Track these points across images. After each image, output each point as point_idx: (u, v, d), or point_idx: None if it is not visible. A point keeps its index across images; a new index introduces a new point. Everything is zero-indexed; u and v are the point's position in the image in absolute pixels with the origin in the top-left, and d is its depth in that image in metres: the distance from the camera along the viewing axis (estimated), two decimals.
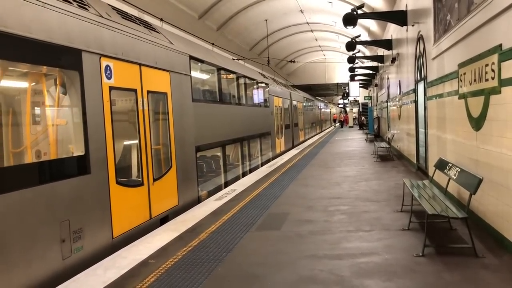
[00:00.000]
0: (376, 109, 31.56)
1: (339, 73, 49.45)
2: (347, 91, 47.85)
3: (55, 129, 5.73)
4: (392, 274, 4.75)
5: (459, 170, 6.25)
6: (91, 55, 5.89)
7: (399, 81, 16.21)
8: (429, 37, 9.64)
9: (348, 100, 57.65)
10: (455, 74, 7.21)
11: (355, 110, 56.59)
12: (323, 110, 49.99)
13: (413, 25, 12.08)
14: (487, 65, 5.61)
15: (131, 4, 13.88)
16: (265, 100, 18.20)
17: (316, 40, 38.85)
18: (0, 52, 4.57)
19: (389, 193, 9.21)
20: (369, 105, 37.75)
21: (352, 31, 21.51)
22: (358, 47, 25.54)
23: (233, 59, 20.78)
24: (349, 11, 13.97)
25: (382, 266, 5.00)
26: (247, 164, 14.92)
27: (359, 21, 14.45)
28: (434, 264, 4.99)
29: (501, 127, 5.28)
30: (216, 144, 11.33)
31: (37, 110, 5.96)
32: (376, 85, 30.69)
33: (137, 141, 7.18)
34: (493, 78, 5.41)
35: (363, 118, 43.74)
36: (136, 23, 7.72)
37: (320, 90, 59.36)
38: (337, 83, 52.44)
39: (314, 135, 36.60)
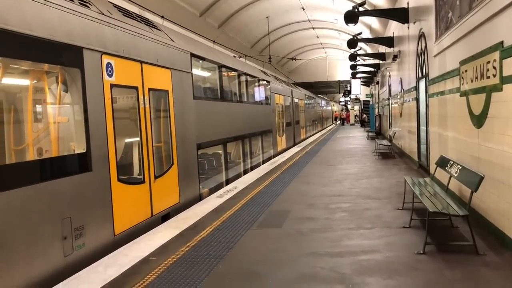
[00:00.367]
0: (378, 107, 31.51)
1: (340, 71, 49.35)
2: (348, 88, 47.83)
3: (56, 126, 5.74)
4: (393, 271, 4.76)
5: (461, 167, 6.25)
6: (92, 53, 5.89)
7: (401, 78, 16.18)
8: (431, 34, 9.62)
9: (350, 97, 57.64)
10: (457, 71, 7.20)
11: (357, 107, 56.53)
12: (324, 107, 49.94)
13: (414, 23, 12.06)
14: (488, 62, 5.60)
15: (132, 2, 13.88)
16: (266, 98, 18.18)
17: (318, 37, 38.78)
18: (2, 49, 4.57)
19: (390, 190, 9.21)
20: (371, 102, 37.71)
21: (353, 29, 21.49)
22: (360, 44, 25.42)
23: (235, 57, 20.76)
24: (351, 8, 13.95)
25: (383, 263, 5.01)
26: (248, 161, 14.92)
27: (361, 18, 14.45)
28: (435, 261, 4.99)
29: (502, 124, 5.27)
30: (217, 141, 11.33)
31: (39, 108, 5.97)
32: (377, 83, 30.63)
33: (138, 139, 7.19)
34: (494, 76, 5.40)
35: (364, 115, 43.69)
36: (137, 21, 7.72)
37: (321, 88, 59.33)
38: (339, 81, 52.38)
39: (316, 133, 36.57)
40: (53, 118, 5.79)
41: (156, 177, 7.53)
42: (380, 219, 6.95)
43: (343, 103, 72.87)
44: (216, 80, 12.07)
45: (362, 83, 40.49)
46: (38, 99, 5.81)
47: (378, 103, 31.26)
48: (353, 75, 35.28)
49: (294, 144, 24.07)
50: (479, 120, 6.12)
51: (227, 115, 12.42)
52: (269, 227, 6.84)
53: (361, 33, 21.96)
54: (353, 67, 29.61)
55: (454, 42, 7.41)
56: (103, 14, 6.38)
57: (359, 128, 40.71)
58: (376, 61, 26.37)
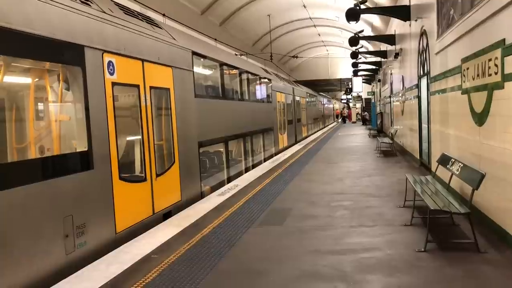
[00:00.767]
0: (379, 105, 31.48)
1: (342, 69, 49.25)
2: (350, 86, 47.76)
3: (58, 124, 5.75)
4: (394, 269, 4.76)
5: (462, 165, 6.24)
6: (93, 51, 5.89)
7: (402, 76, 16.16)
8: (432, 32, 9.60)
9: (351, 95, 57.58)
10: (458, 69, 7.19)
11: (358, 105, 56.47)
12: (326, 105, 49.89)
13: (416, 20, 12.03)
14: (490, 60, 5.58)
15: (134, 0, 13.86)
16: (267, 96, 18.17)
17: (319, 35, 38.71)
18: (4, 48, 4.58)
19: (391, 188, 9.21)
20: (372, 100, 37.66)
21: (355, 26, 21.41)
22: (361, 42, 25.41)
23: (236, 55, 20.75)
24: (352, 6, 13.92)
25: (385, 261, 5.01)
26: (250, 159, 14.92)
27: (362, 16, 14.42)
28: (436, 259, 5.00)
29: (504, 122, 5.26)
30: (218, 139, 11.34)
31: (40, 106, 5.98)
32: (379, 81, 30.59)
33: (140, 137, 7.19)
34: (496, 73, 5.39)
35: (365, 113, 43.66)
36: (139, 19, 7.72)
37: (323, 86, 59.21)
38: (340, 79, 52.27)
39: (317, 131, 36.54)
40: (55, 117, 5.80)
41: (157, 175, 7.54)
42: (381, 217, 6.95)
43: (345, 101, 72.85)
44: (218, 78, 12.07)
45: (363, 81, 40.44)
46: (39, 97, 5.82)
47: (379, 101, 31.23)
48: (355, 73, 35.21)
49: (296, 142, 24.06)
50: (480, 118, 6.11)
51: (229, 113, 12.42)
52: (271, 225, 6.85)
53: (362, 31, 21.89)
54: (354, 65, 29.56)
55: (455, 40, 7.39)
56: (105, 12, 6.38)
57: (361, 126, 40.67)
58: (378, 59, 26.32)
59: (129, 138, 7.38)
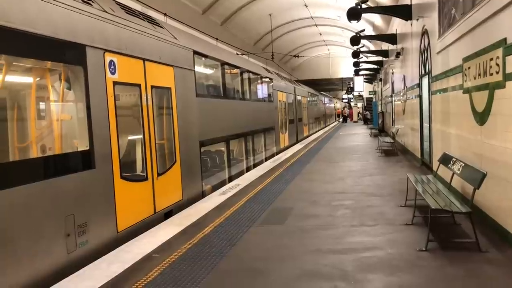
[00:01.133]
0: (381, 104, 31.45)
1: (343, 68, 49.22)
2: (351, 85, 47.73)
3: (59, 124, 5.76)
4: (395, 268, 4.76)
5: (463, 164, 6.24)
6: (95, 50, 5.90)
7: (404, 75, 16.14)
8: (434, 31, 9.59)
9: (353, 95, 57.53)
10: (460, 68, 7.18)
11: (360, 105, 56.45)
12: (327, 105, 49.87)
13: (417, 19, 12.02)
14: (491, 59, 5.58)
15: None
16: (269, 95, 18.17)
17: (321, 34, 38.68)
18: (6, 47, 4.59)
19: (393, 188, 9.21)
20: (374, 99, 37.63)
21: (356, 26, 21.38)
22: (363, 41, 25.42)
23: (237, 54, 20.75)
24: (354, 5, 13.91)
25: (386, 260, 5.01)
26: (251, 159, 14.93)
27: (364, 15, 14.40)
28: (438, 258, 5.00)
29: (505, 121, 5.26)
30: (220, 139, 11.34)
31: (42, 105, 5.99)
32: (380, 80, 30.57)
33: (141, 136, 7.20)
34: (497, 72, 5.38)
35: (367, 112, 43.64)
36: (140, 18, 7.73)
37: (324, 85, 59.19)
38: (342, 78, 52.23)
39: (319, 130, 36.53)
40: (56, 116, 5.80)
41: (159, 175, 7.55)
42: (382, 216, 6.95)
43: (346, 101, 72.81)
44: (219, 77, 12.07)
45: (365, 80, 40.40)
46: (41, 96, 5.83)
47: (381, 100, 31.20)
48: (356, 72, 35.15)
49: (297, 142, 24.05)
50: (482, 117, 6.11)
51: (230, 112, 12.42)
52: (272, 224, 6.85)
53: (364, 30, 21.88)
54: (356, 64, 29.53)
55: (457, 39, 7.38)
56: (106, 11, 6.39)
57: (362, 125, 40.65)
58: (379, 58, 26.30)
59: (131, 137, 7.39)
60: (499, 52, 5.29)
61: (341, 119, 58.06)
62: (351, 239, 5.87)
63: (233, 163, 12.86)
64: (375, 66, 29.95)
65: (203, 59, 10.61)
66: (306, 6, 27.86)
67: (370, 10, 16.15)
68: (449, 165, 6.94)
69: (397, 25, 17.33)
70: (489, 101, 5.75)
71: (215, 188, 10.46)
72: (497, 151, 5.60)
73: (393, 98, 21.54)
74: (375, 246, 5.51)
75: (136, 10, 8.15)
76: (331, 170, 12.33)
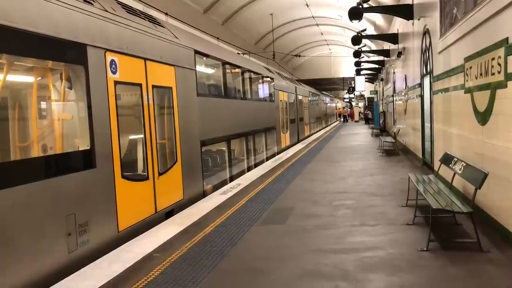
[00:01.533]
0: (382, 104, 31.43)
1: (345, 67, 49.18)
2: (353, 85, 47.68)
3: (60, 123, 5.76)
4: (396, 268, 4.76)
5: (465, 164, 6.23)
6: (96, 50, 5.90)
7: (405, 75, 16.12)
8: (435, 31, 9.57)
9: (354, 94, 57.49)
10: (461, 68, 7.17)
11: (361, 104, 56.41)
12: (328, 104, 49.85)
13: (419, 19, 12.00)
14: (493, 59, 5.57)
15: None
16: (270, 95, 18.16)
17: (322, 34, 38.64)
18: (7, 47, 4.59)
19: (394, 187, 9.20)
20: (375, 99, 37.60)
21: (358, 25, 21.39)
22: (364, 41, 25.39)
23: (238, 54, 20.74)
24: (355, 4, 13.89)
25: (387, 260, 5.01)
26: (252, 158, 14.92)
27: (365, 15, 14.36)
28: (439, 258, 4.99)
29: (507, 121, 5.25)
30: (221, 138, 11.33)
31: (43, 105, 5.98)
32: (382, 80, 30.55)
33: (142, 136, 7.20)
34: (499, 72, 5.37)
35: (368, 112, 43.60)
36: (141, 18, 7.72)
37: (325, 85, 59.13)
38: (343, 78, 52.18)
39: (320, 130, 36.51)
40: (57, 115, 5.81)
41: (160, 174, 7.55)
42: (383, 216, 6.94)
43: (347, 100, 72.77)
44: (220, 77, 12.07)
45: (366, 80, 40.35)
46: (42, 96, 5.83)
47: (382, 100, 31.18)
48: (358, 72, 35.14)
49: (298, 141, 24.04)
50: (483, 117, 6.09)
51: (231, 112, 12.42)
52: (273, 224, 6.85)
53: (365, 29, 21.88)
54: (357, 64, 29.50)
55: (458, 39, 7.37)
56: (107, 11, 6.39)
57: (363, 125, 40.63)
58: (381, 57, 26.28)
59: (132, 136, 7.39)
60: (501, 51, 5.28)
61: (341, 119, 58.04)
62: (352, 239, 5.86)
63: (234, 163, 12.86)
64: (377, 66, 29.93)
65: (204, 58, 10.61)
66: (308, 6, 27.81)
67: (371, 9, 16.13)
68: (450, 165, 6.93)
69: (398, 24, 17.31)
70: (491, 101, 5.74)
71: (216, 187, 10.46)
72: (498, 151, 5.59)
73: (394, 98, 21.53)
74: (376, 246, 5.50)
75: (137, 10, 8.15)
76: (332, 169, 12.33)
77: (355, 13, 13.65)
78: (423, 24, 11.36)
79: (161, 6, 15.30)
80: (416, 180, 7.22)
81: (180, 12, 18.23)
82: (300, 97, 25.78)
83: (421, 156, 12.68)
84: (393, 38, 18.36)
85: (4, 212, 4.36)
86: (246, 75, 14.69)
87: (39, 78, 5.60)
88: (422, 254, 5.15)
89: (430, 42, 10.48)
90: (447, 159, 7.33)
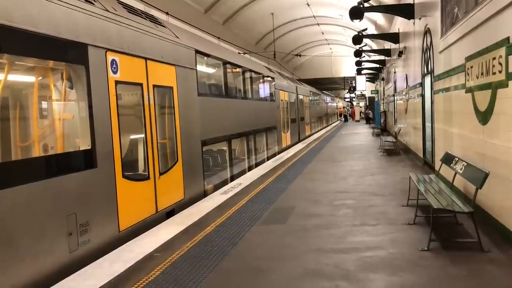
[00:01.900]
0: (383, 103, 31.41)
1: (345, 67, 49.19)
2: (353, 85, 47.66)
3: (61, 123, 5.76)
4: (397, 268, 4.75)
5: (466, 164, 6.22)
6: (97, 50, 5.90)
7: (406, 74, 16.11)
8: (436, 30, 9.56)
9: (355, 94, 57.47)
10: (462, 67, 7.16)
11: (362, 104, 56.39)
12: (329, 104, 49.84)
13: (420, 18, 11.99)
14: (494, 58, 5.56)
15: None
16: (271, 94, 18.16)
17: (323, 33, 38.64)
18: (8, 47, 4.59)
19: (395, 187, 9.19)
20: (376, 99, 37.59)
21: (358, 25, 21.36)
22: (365, 40, 25.38)
23: (239, 53, 20.74)
24: (356, 4, 13.88)
25: (388, 260, 5.00)
26: (253, 158, 14.92)
27: (366, 14, 14.36)
28: (440, 258, 4.98)
29: (508, 121, 5.24)
30: (222, 138, 11.34)
31: (44, 104, 5.99)
32: (383, 79, 30.53)
33: (143, 135, 7.20)
34: (500, 72, 5.37)
35: (369, 111, 43.60)
36: (142, 17, 7.73)
37: (326, 84, 59.15)
38: (344, 77, 52.20)
39: (321, 129, 36.51)
40: (58, 115, 5.81)
41: (160, 174, 7.55)
42: (384, 215, 6.94)
43: (348, 100, 72.75)
44: (221, 76, 12.07)
45: (367, 79, 40.35)
46: (43, 96, 5.84)
47: (383, 99, 31.16)
48: (358, 72, 35.15)
49: (299, 141, 24.04)
50: (484, 116, 6.09)
51: (232, 111, 12.42)
52: (274, 224, 6.85)
53: (366, 29, 21.88)
54: (358, 63, 29.50)
55: (459, 38, 7.36)
56: (108, 10, 6.39)
57: (364, 125, 40.62)
58: (382, 57, 26.27)
59: (133, 136, 7.39)
60: (502, 51, 5.27)
61: (342, 118, 58.02)
62: (353, 239, 5.86)
63: (235, 162, 12.86)
64: (378, 65, 29.93)
65: (205, 58, 10.61)
66: (308, 5, 27.81)
67: (372, 9, 16.14)
68: (451, 165, 6.92)
69: (399, 24, 17.30)
70: (492, 100, 5.73)
71: (216, 187, 10.47)
72: (499, 150, 5.58)
73: (395, 97, 21.51)
74: (377, 246, 5.50)
75: (138, 9, 8.15)
76: (333, 169, 12.32)
77: (356, 13, 13.64)
78: (424, 23, 11.35)
79: (162, 6, 15.31)
80: (417, 179, 7.21)
81: (181, 11, 18.24)
82: (301, 97, 25.78)
83: (422, 156, 12.67)
84: (394, 37, 18.36)
85: (5, 212, 4.36)
86: (247, 74, 14.69)
87: (40, 78, 5.61)
88: (423, 253, 5.14)
89: (431, 42, 10.47)
90: (448, 159, 7.33)
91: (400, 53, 16.69)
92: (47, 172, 5.00)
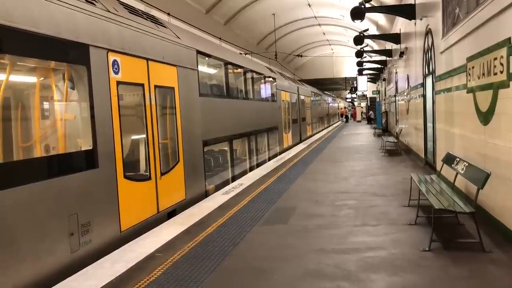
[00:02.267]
0: (384, 104, 31.39)
1: (347, 67, 49.16)
2: (355, 85, 47.65)
3: (63, 123, 5.77)
4: (398, 268, 4.75)
5: (467, 164, 6.22)
6: (98, 50, 5.91)
7: (407, 75, 16.10)
8: (438, 30, 9.56)
9: (356, 94, 57.43)
10: (463, 68, 7.16)
11: (363, 104, 56.34)
12: (331, 104, 49.82)
13: (421, 19, 11.98)
14: (495, 58, 5.56)
15: None
16: (272, 95, 18.16)
17: (324, 34, 38.63)
18: (9, 47, 4.60)
19: (396, 187, 9.19)
20: (377, 99, 37.57)
21: (360, 25, 21.38)
22: (366, 41, 25.35)
23: (241, 54, 20.75)
24: (357, 4, 13.88)
25: (389, 260, 5.00)
26: (254, 158, 14.93)
27: (367, 15, 14.37)
28: (441, 259, 4.98)
29: (509, 121, 5.24)
30: (223, 138, 11.34)
31: (45, 105, 6.00)
32: (384, 80, 30.51)
33: (144, 136, 7.21)
34: (501, 72, 5.37)
35: (370, 112, 43.57)
36: (143, 18, 7.74)
37: (328, 85, 59.12)
38: (345, 78, 52.17)
39: (322, 130, 36.50)
40: (60, 115, 5.82)
41: (162, 174, 7.56)
42: (386, 216, 6.94)
43: (350, 100, 72.70)
44: (222, 77, 12.08)
45: (368, 80, 40.32)
46: (44, 96, 5.85)
47: (385, 99, 31.14)
48: (360, 72, 35.14)
49: (300, 141, 24.04)
50: (486, 117, 6.08)
51: (233, 112, 12.42)
52: (275, 224, 6.85)
53: (367, 29, 21.88)
54: (359, 63, 29.49)
55: (461, 39, 7.36)
56: (109, 11, 6.40)
57: (366, 125, 40.59)
58: (383, 57, 26.25)
59: (134, 137, 7.40)
60: (503, 51, 5.27)
61: (344, 119, 58.00)
62: (354, 239, 5.86)
63: (236, 163, 12.87)
64: (379, 66, 29.91)
65: (206, 58, 10.62)
66: (310, 6, 27.81)
67: (373, 9, 16.12)
68: (452, 165, 6.92)
69: (400, 24, 17.29)
70: (493, 100, 5.73)
71: (218, 187, 10.47)
72: (501, 151, 5.58)
73: (396, 98, 21.50)
74: (378, 246, 5.49)
75: (140, 10, 8.16)
76: (334, 169, 12.32)
77: (357, 13, 13.64)
78: (425, 24, 11.35)
79: (163, 6, 15.33)
80: (419, 180, 7.21)
81: (182, 12, 18.26)
82: (302, 97, 25.78)
83: (423, 156, 12.66)
84: (395, 38, 18.35)
85: (7, 212, 4.37)
86: (248, 75, 14.70)
87: (42, 78, 5.62)
88: (424, 254, 5.14)
89: (433, 42, 10.46)
90: (449, 159, 7.32)
91: (402, 54, 16.68)
92: (48, 173, 5.01)
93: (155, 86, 7.48)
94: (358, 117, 54.17)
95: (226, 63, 12.13)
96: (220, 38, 21.35)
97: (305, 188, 9.71)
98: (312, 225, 6.62)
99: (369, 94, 45.58)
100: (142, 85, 7.14)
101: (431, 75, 10.85)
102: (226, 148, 12.08)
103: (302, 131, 25.47)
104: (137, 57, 6.96)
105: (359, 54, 25.20)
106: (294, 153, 17.11)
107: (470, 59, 6.78)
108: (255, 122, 14.83)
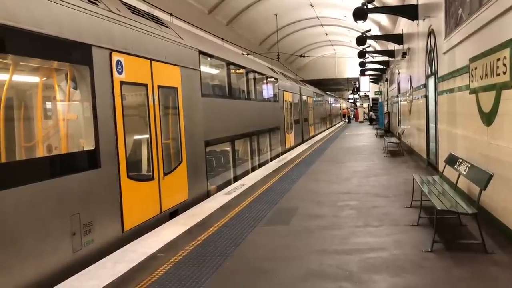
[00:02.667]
0: (387, 104, 31.36)
1: (349, 68, 49.14)
2: (357, 86, 47.64)
3: (66, 123, 5.78)
4: (400, 269, 4.75)
5: (469, 165, 6.21)
6: (101, 50, 5.92)
7: (410, 76, 16.08)
8: (440, 31, 9.55)
9: (359, 95, 57.43)
10: (466, 68, 7.15)
11: (366, 105, 56.33)
12: (333, 105, 49.80)
13: (424, 19, 11.97)
14: (498, 59, 5.54)
15: None
16: (274, 95, 18.16)
17: (326, 34, 38.62)
18: (12, 47, 4.62)
19: (398, 188, 9.18)
20: (380, 100, 37.54)
21: (362, 26, 21.34)
22: (369, 41, 25.34)
23: (243, 54, 20.76)
24: (360, 5, 13.87)
25: (391, 261, 5.00)
26: (256, 159, 14.93)
27: (370, 15, 14.36)
28: (443, 260, 4.97)
29: None
30: (225, 139, 11.35)
31: (48, 105, 6.02)
32: (386, 80, 30.49)
33: (147, 136, 7.22)
34: (504, 73, 5.35)
35: (371, 113, 43.55)
36: (146, 18, 7.75)
37: (330, 85, 59.10)
38: (347, 78, 52.16)
39: (324, 130, 36.48)
40: (63, 115, 5.83)
41: (165, 174, 7.57)
42: (388, 217, 6.93)
43: (352, 101, 72.66)
44: (224, 77, 12.08)
45: (371, 80, 40.30)
46: (47, 96, 5.86)
47: (387, 100, 31.11)
48: (362, 73, 35.11)
49: (302, 142, 24.03)
50: (488, 118, 6.07)
51: (235, 112, 12.43)
52: (277, 224, 6.85)
53: (370, 30, 21.81)
54: (362, 64, 29.46)
55: (463, 39, 7.35)
56: (112, 11, 6.41)
57: (368, 126, 40.55)
58: (385, 58, 26.23)
59: (137, 137, 7.42)
60: (507, 52, 5.26)
61: (346, 119, 57.98)
62: (356, 240, 5.85)
63: (238, 163, 12.87)
64: (381, 66, 29.88)
65: (209, 59, 10.63)
66: (312, 6, 27.82)
67: (376, 10, 16.11)
68: (455, 166, 6.91)
69: (403, 25, 17.27)
70: (496, 101, 5.72)
71: (220, 188, 10.48)
72: (503, 152, 5.56)
73: (399, 99, 21.47)
74: (380, 247, 5.49)
75: (142, 10, 8.18)
76: (336, 170, 12.31)
77: (360, 14, 13.63)
78: (428, 24, 11.33)
79: (165, 7, 15.34)
80: (421, 181, 7.20)
81: (185, 12, 18.27)
82: (304, 98, 25.77)
83: (425, 157, 12.64)
84: (397, 38, 18.33)
85: (9, 212, 4.38)
86: (251, 75, 14.70)
87: (45, 78, 5.64)
88: (426, 255, 5.13)
89: (435, 43, 10.45)
90: (452, 160, 7.31)
91: (404, 54, 16.66)
92: (51, 172, 5.01)
93: (159, 86, 7.50)
94: (360, 118, 54.13)
95: (228, 64, 12.14)
96: (222, 39, 21.36)
97: (307, 188, 9.70)
98: (314, 226, 6.62)
99: (371, 95, 45.56)
100: (146, 85, 7.15)
101: (433, 76, 10.83)
102: (228, 149, 12.08)
103: (304, 131, 25.46)
104: (141, 57, 6.98)
105: (361, 54, 25.16)
106: (296, 154, 17.11)
107: (473, 60, 6.76)
108: (257, 123, 14.83)
